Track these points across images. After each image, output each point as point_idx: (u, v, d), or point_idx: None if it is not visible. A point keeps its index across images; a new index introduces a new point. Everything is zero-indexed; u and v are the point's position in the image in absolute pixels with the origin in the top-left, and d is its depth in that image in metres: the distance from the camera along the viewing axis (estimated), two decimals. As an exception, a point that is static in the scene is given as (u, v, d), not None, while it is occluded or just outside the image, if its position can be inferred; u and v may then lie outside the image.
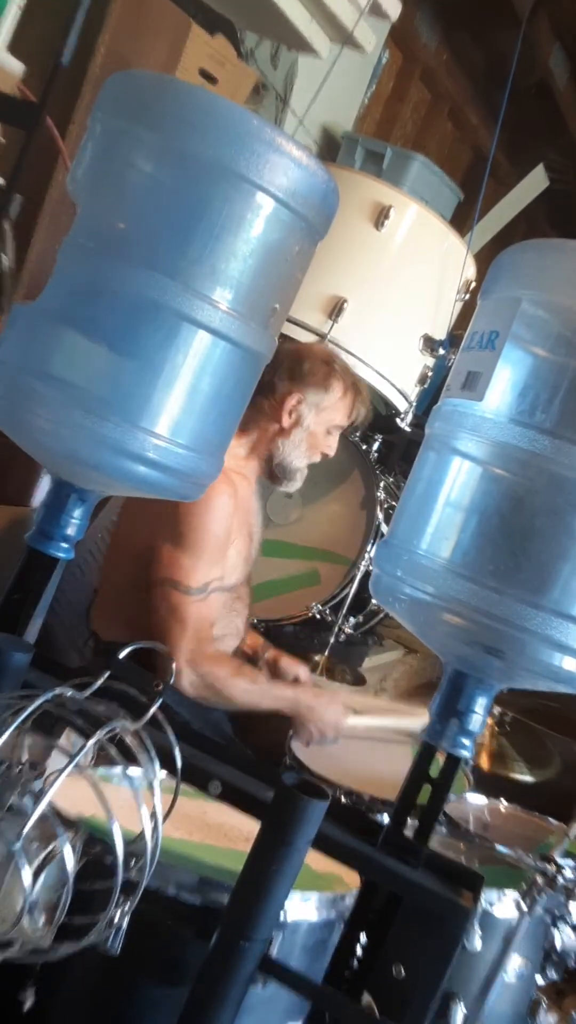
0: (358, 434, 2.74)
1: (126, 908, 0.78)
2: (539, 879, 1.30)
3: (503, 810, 1.73)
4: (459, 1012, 1.31)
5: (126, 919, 0.79)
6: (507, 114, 2.83)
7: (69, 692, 0.79)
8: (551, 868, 1.31)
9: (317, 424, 1.91)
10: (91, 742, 0.75)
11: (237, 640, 1.98)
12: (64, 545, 0.94)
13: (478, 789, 1.78)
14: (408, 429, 2.56)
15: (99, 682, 0.82)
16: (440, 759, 0.88)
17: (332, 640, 2.48)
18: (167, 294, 0.85)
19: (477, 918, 1.30)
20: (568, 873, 1.32)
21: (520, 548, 0.80)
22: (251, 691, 1.79)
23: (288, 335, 2.25)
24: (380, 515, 2.60)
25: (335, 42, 2.62)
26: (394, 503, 2.69)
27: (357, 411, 1.97)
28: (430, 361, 2.48)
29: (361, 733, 1.89)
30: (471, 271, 2.48)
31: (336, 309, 2.28)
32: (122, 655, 0.88)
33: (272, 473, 1.93)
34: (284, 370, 1.87)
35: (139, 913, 0.79)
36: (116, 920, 0.78)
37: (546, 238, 0.91)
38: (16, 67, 1.83)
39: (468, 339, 0.89)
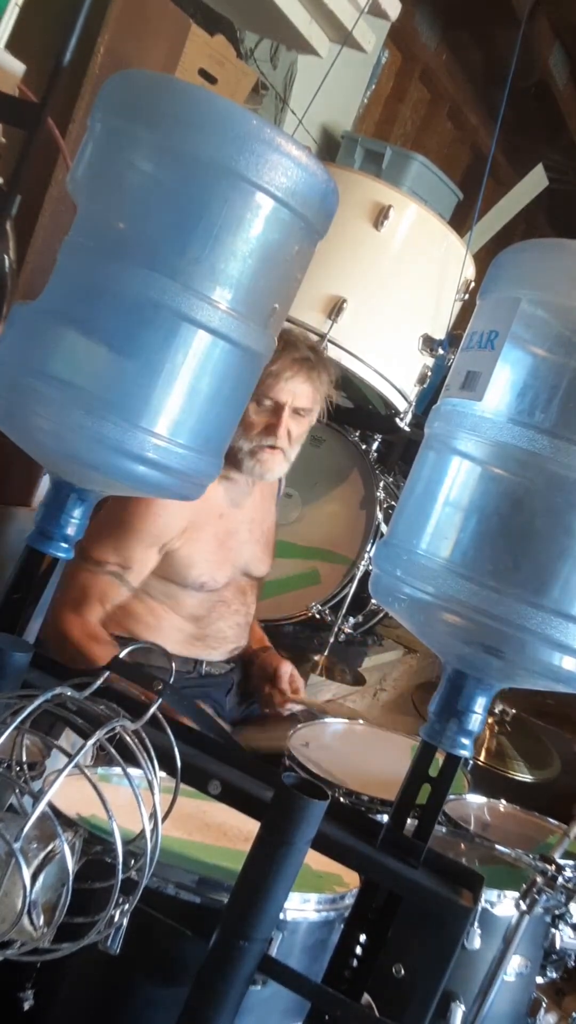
0: (357, 434, 2.74)
1: (126, 908, 0.78)
2: (539, 879, 1.30)
3: (503, 810, 1.73)
4: (459, 1011, 1.31)
5: (126, 919, 0.79)
6: (506, 114, 2.82)
7: (69, 692, 0.79)
8: (551, 868, 1.31)
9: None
10: (90, 742, 0.75)
11: (223, 645, 1.95)
12: (64, 545, 0.94)
13: (478, 789, 1.78)
14: (407, 429, 2.56)
15: (99, 682, 0.82)
16: (440, 759, 0.88)
17: (332, 640, 2.48)
18: (167, 294, 0.85)
19: (477, 917, 1.30)
20: (568, 873, 1.32)
21: (519, 548, 0.80)
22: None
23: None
24: (380, 515, 2.60)
25: (335, 42, 2.62)
26: (393, 503, 2.69)
27: (287, 376, 1.81)
28: (429, 361, 2.48)
29: None
30: (470, 271, 2.48)
31: (335, 309, 2.28)
32: (122, 654, 0.88)
33: (230, 461, 1.82)
34: None
35: (138, 913, 0.80)
36: (116, 919, 0.78)
37: (545, 238, 0.91)
38: (17, 67, 1.83)
39: (467, 339, 0.89)
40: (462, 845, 1.53)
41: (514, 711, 2.22)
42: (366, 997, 0.92)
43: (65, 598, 1.73)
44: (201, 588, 1.86)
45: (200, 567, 1.85)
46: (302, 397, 1.86)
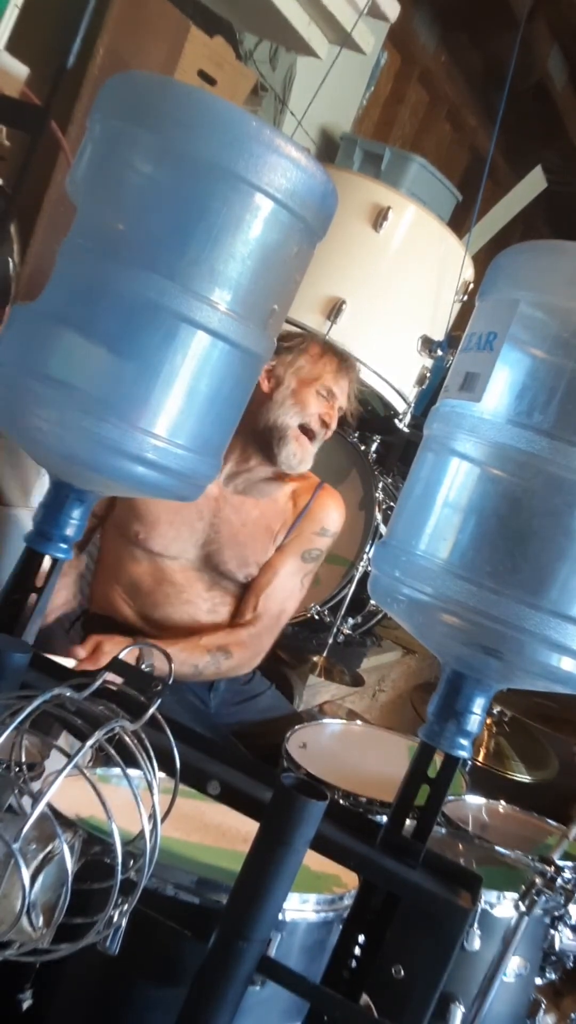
0: (356, 435, 2.74)
1: (125, 908, 0.78)
2: (538, 880, 1.30)
3: (501, 811, 1.74)
4: (458, 1012, 1.31)
5: (124, 919, 0.79)
6: (505, 116, 2.83)
7: (68, 692, 0.79)
8: (550, 869, 1.31)
9: (301, 384, 1.90)
10: (90, 743, 0.75)
11: (167, 636, 1.89)
12: (63, 546, 0.94)
13: (476, 789, 1.78)
14: (406, 430, 2.56)
15: (97, 683, 0.82)
16: (438, 759, 0.88)
17: (331, 641, 2.47)
18: (166, 295, 0.85)
19: (476, 918, 1.30)
20: (567, 874, 1.32)
21: (518, 549, 0.80)
22: None
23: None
24: (378, 516, 2.60)
25: (334, 43, 2.62)
26: (392, 504, 2.69)
27: (343, 373, 1.95)
28: (428, 362, 2.48)
29: None
30: (469, 272, 2.48)
31: (334, 310, 2.28)
32: (122, 655, 0.88)
33: (264, 440, 1.88)
34: None
35: (137, 913, 0.80)
36: (115, 920, 0.78)
37: (544, 239, 0.91)
38: (20, 70, 1.83)
39: (466, 340, 0.89)
40: (461, 846, 1.53)
41: (512, 713, 2.22)
42: (365, 998, 0.92)
43: None
44: (136, 541, 1.86)
45: (139, 509, 1.86)
46: (341, 399, 1.97)
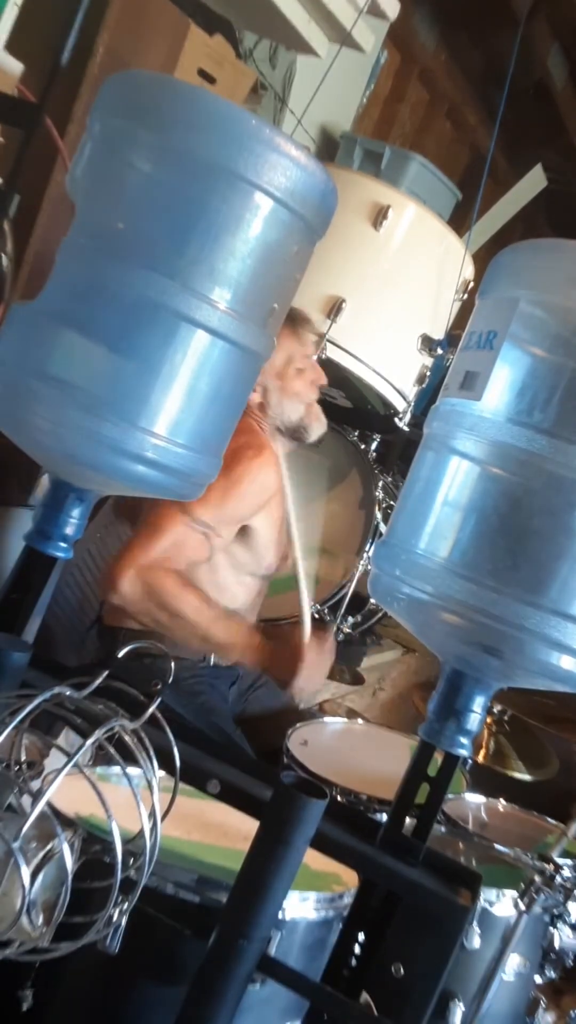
0: (356, 434, 2.74)
1: (124, 907, 0.78)
2: (537, 878, 1.30)
3: (501, 809, 1.74)
4: (458, 1011, 1.31)
5: (124, 918, 0.79)
6: (505, 114, 2.82)
7: (67, 691, 0.79)
8: (549, 867, 1.31)
9: (280, 378, 1.91)
10: (90, 741, 0.75)
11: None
12: (63, 544, 0.94)
13: (476, 788, 1.78)
14: (406, 429, 2.56)
15: (97, 681, 0.82)
16: (438, 758, 0.88)
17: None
18: (166, 294, 0.85)
19: (476, 917, 1.30)
20: (566, 872, 1.32)
21: (518, 547, 0.80)
22: (202, 611, 1.69)
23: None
24: (379, 514, 2.60)
25: (333, 42, 2.61)
26: (392, 502, 2.69)
27: (298, 337, 1.94)
28: (428, 361, 2.48)
29: None
30: (469, 271, 2.48)
31: (334, 309, 2.28)
32: (121, 654, 0.88)
33: (292, 435, 1.95)
34: None
35: (137, 912, 0.80)
36: (115, 919, 0.78)
37: (544, 238, 0.91)
38: (15, 67, 1.83)
39: (466, 339, 0.89)
40: (460, 844, 1.53)
41: (512, 712, 2.23)
42: (365, 996, 0.92)
43: (152, 548, 1.67)
44: (261, 571, 1.92)
45: (271, 548, 1.90)
46: (313, 352, 2.03)
